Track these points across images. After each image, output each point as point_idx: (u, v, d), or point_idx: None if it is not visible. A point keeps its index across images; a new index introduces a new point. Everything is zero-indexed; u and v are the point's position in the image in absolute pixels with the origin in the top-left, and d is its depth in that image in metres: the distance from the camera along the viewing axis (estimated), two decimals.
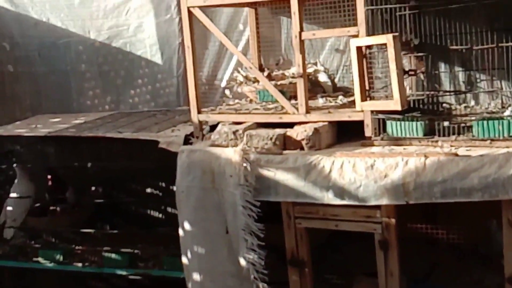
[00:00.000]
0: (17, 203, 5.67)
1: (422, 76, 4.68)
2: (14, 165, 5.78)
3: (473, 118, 4.18)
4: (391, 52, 3.95)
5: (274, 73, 5.27)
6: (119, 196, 6.09)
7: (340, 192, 4.01)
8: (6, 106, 6.63)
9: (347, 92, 5.04)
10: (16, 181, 5.72)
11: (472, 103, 4.70)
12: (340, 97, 4.95)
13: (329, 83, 5.20)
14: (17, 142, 5.91)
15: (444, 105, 4.55)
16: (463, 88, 4.79)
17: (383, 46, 4.08)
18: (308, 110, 4.48)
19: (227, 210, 4.35)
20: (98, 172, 5.64)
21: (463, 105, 4.69)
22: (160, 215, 6.06)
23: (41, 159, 5.94)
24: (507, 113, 4.04)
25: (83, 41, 6.28)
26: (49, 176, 6.00)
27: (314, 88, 5.13)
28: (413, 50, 4.56)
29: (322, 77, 5.20)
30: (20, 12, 6.41)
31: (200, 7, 4.68)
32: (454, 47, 4.36)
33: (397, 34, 4.03)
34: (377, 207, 3.98)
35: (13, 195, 5.69)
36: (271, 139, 4.36)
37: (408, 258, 4.30)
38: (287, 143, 4.38)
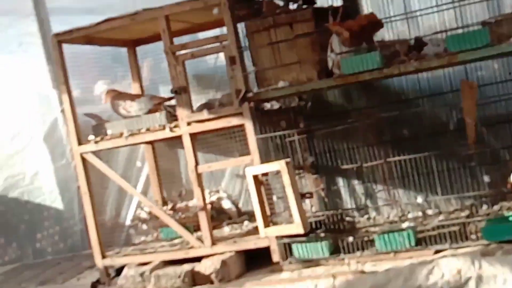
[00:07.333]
0: None
1: (322, 193, 4.74)
2: None
3: (375, 230, 4.23)
4: (286, 178, 4.00)
5: (178, 205, 5.23)
6: None
7: None
8: None
9: (253, 215, 5.04)
10: None
11: (374, 213, 4.77)
12: (246, 222, 4.95)
13: (234, 209, 5.20)
14: None
15: (347, 218, 4.61)
16: (362, 199, 4.87)
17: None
18: (214, 241, 4.43)
19: None
20: None
21: (365, 216, 4.75)
22: None
23: None
24: (405, 225, 4.11)
25: None
26: None
27: (219, 215, 5.12)
28: (308, 169, 4.65)
29: (226, 204, 5.21)
30: None
31: (94, 152, 4.65)
32: (345, 166, 4.49)
33: (289, 160, 4.09)
34: None
35: None
36: (179, 277, 4.27)
37: None
38: (196, 278, 4.29)
